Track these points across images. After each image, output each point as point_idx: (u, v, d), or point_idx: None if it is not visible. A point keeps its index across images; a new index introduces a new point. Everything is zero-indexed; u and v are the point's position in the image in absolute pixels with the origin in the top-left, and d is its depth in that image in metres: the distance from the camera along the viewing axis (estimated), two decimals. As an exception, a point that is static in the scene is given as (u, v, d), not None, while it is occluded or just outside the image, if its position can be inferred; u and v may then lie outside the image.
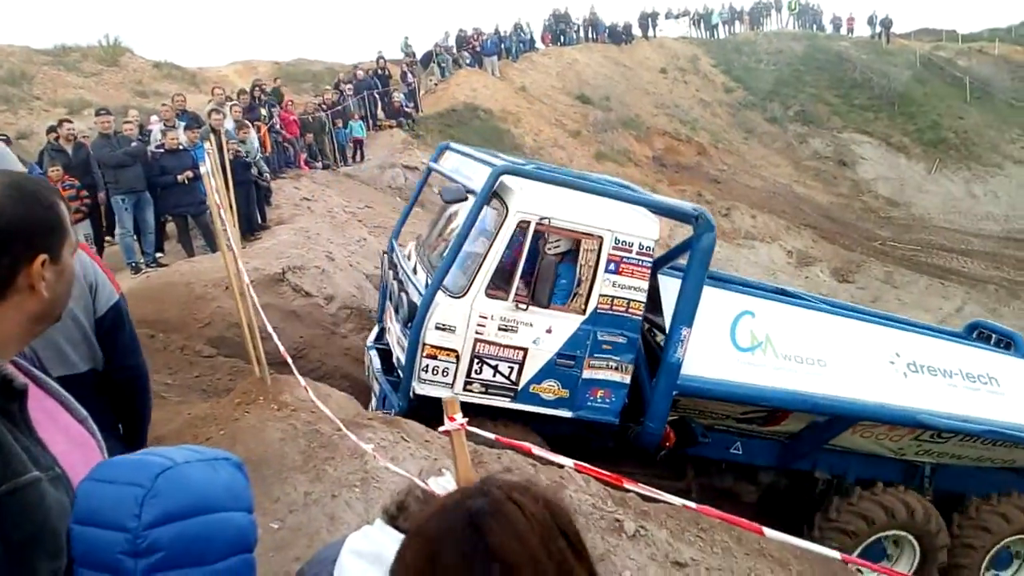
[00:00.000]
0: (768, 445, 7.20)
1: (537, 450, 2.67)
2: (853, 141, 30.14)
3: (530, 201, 5.71)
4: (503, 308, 5.73)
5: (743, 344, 6.48)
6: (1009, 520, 7.42)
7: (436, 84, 25.87)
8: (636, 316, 6.00)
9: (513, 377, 5.82)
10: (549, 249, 5.88)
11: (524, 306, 5.72)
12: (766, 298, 7.03)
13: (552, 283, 5.88)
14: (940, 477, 7.64)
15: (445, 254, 5.84)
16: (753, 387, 6.34)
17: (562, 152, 23.71)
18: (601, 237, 5.83)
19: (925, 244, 24.61)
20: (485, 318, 5.69)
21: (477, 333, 5.69)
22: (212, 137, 10.04)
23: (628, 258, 5.90)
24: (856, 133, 30.59)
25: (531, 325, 5.79)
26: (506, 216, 5.68)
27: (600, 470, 3.58)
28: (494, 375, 5.79)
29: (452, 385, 5.72)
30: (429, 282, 5.87)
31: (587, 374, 5.96)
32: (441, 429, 1.52)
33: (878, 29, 39.53)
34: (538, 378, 5.87)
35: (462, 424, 1.56)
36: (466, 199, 5.94)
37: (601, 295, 5.87)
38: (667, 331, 6.11)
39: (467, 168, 6.60)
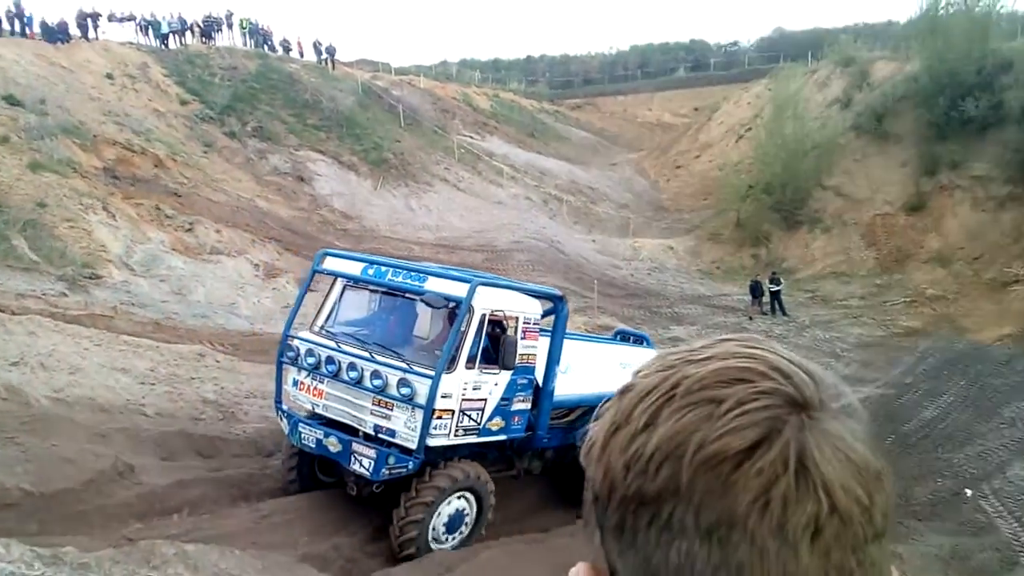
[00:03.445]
0: (560, 431, 10.36)
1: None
2: (309, 159, 32.32)
3: (485, 300, 8.41)
4: (474, 374, 8.29)
5: (563, 369, 9.57)
6: None
7: None
8: (533, 364, 9.08)
9: (478, 420, 8.44)
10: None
11: (495, 371, 8.45)
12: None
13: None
14: None
15: (444, 345, 8.06)
16: (580, 396, 9.91)
17: (-16, 160, 20.15)
18: (518, 317, 8.81)
19: (376, 252, 27.86)
20: (467, 383, 8.20)
21: (463, 394, 8.15)
22: None
23: (530, 328, 8.98)
24: (311, 151, 32.86)
25: (487, 382, 8.45)
26: (473, 312, 8.18)
27: None
28: (468, 421, 8.31)
29: (449, 434, 8.10)
30: (403, 363, 8.05)
31: (512, 408, 8.80)
32: None
33: (324, 56, 43.05)
34: (491, 417, 8.58)
35: None
36: (446, 305, 8.29)
37: (519, 354, 8.63)
38: (545, 369, 9.19)
39: (396, 276, 8.67)
